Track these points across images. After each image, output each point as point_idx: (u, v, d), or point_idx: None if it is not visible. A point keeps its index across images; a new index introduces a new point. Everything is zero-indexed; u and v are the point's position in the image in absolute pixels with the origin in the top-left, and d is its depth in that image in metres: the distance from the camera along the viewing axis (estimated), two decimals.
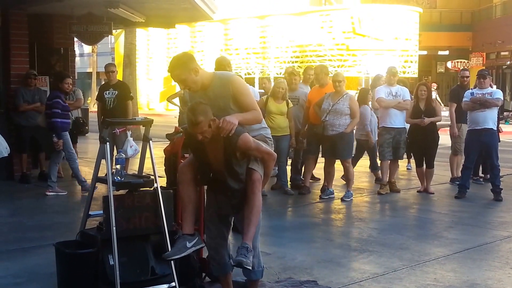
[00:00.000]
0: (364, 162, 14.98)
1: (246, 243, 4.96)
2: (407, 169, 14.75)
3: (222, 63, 9.60)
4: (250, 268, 5.03)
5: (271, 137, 5.43)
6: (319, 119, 10.94)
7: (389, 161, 11.74)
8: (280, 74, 32.64)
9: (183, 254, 5.16)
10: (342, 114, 10.74)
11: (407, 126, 11.82)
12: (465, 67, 36.40)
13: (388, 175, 11.85)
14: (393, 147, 11.63)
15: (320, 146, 11.36)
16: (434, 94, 12.57)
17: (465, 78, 13.16)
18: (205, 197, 5.72)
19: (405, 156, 13.09)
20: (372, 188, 12.15)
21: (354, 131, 11.74)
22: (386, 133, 11.62)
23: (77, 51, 27.10)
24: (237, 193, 5.14)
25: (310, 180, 12.03)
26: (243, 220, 5.11)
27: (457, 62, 40.30)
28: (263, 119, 5.40)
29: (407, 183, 12.80)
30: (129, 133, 10.97)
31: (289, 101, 11.17)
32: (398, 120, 11.57)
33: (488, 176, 12.36)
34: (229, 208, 5.27)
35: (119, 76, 15.57)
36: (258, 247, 5.45)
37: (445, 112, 13.95)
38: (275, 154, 5.28)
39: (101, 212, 5.85)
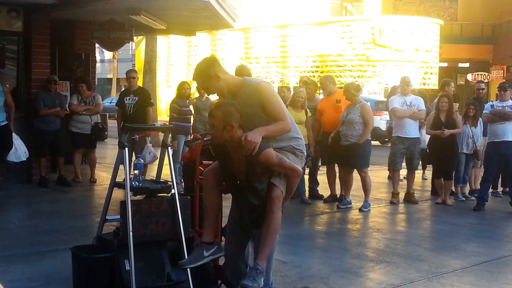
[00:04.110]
0: (382, 173, 14.95)
1: (258, 264, 4.79)
2: (423, 179, 14.70)
3: (242, 72, 9.48)
4: None
5: (303, 148, 5.17)
6: (333, 127, 11.03)
7: (399, 171, 11.91)
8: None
9: (199, 263, 5.05)
10: (353, 124, 10.75)
11: (427, 137, 11.80)
12: (483, 79, 36.28)
13: (398, 184, 12.00)
14: (408, 157, 11.70)
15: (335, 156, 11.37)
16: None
17: (481, 90, 13.16)
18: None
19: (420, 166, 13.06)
20: (390, 198, 12.06)
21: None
22: (399, 143, 11.64)
23: (98, 57, 27.22)
24: (256, 209, 4.93)
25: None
26: (258, 238, 4.96)
27: (478, 74, 40.07)
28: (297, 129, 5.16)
29: (422, 194, 12.66)
30: (148, 139, 11.01)
31: (308, 110, 11.18)
32: (413, 130, 11.61)
33: (507, 189, 12.27)
34: (248, 220, 5.05)
35: (139, 83, 15.62)
36: (269, 265, 5.28)
37: None
38: (301, 170, 5.03)
39: (118, 217, 5.86)
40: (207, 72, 4.94)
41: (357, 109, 10.80)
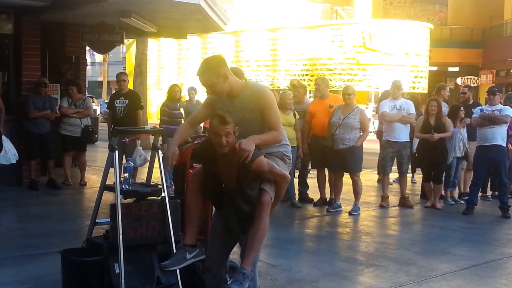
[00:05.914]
0: (372, 176, 14.97)
1: (244, 269, 4.71)
2: (413, 182, 14.74)
3: (236, 73, 9.47)
4: None
5: (290, 155, 5.18)
6: (324, 131, 11.00)
7: (389, 174, 12.01)
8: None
9: (181, 266, 5.00)
10: (352, 128, 10.76)
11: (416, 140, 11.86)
12: (473, 83, 36.54)
13: (388, 188, 12.07)
14: (397, 162, 11.71)
15: (326, 159, 11.36)
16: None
17: (463, 95, 13.24)
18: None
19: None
20: (379, 202, 12.08)
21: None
22: (388, 147, 11.69)
23: (88, 60, 27.20)
24: (247, 216, 4.86)
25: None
26: (245, 242, 4.88)
27: (467, 78, 40.26)
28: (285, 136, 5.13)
29: (411, 198, 12.61)
30: (138, 142, 10.98)
31: (296, 112, 11.18)
32: (403, 134, 11.63)
33: (496, 193, 12.32)
34: (237, 226, 4.98)
35: (130, 86, 15.60)
36: (256, 270, 5.18)
37: None
38: (289, 176, 5.03)
39: (108, 220, 5.85)
40: (217, 70, 4.84)
41: (355, 114, 10.81)
